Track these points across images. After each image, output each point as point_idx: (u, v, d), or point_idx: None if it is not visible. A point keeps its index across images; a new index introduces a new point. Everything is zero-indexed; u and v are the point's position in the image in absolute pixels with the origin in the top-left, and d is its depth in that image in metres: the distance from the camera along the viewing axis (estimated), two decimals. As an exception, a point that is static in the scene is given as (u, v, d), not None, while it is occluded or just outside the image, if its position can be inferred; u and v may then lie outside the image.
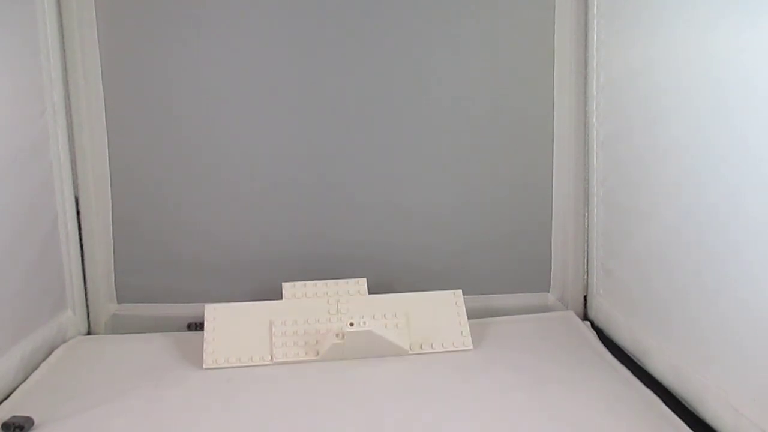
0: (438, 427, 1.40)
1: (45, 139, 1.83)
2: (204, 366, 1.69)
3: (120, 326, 2.02)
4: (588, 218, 2.02)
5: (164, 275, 2.03)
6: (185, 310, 1.96)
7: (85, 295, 2.01)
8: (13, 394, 1.57)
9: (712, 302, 1.37)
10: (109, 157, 1.98)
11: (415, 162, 2.03)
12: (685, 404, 1.47)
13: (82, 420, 1.44)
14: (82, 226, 1.98)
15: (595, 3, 1.88)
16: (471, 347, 1.77)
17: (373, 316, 1.79)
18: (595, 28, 1.90)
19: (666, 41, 1.52)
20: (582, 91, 1.98)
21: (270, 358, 1.72)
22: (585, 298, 2.07)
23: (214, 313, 1.79)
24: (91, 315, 2.02)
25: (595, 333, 1.91)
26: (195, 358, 1.72)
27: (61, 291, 1.92)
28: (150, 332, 1.93)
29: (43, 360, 1.75)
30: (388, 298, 1.86)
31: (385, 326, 1.77)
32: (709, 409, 1.38)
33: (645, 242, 1.67)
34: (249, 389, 1.58)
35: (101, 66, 1.94)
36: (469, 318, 1.82)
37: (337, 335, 1.68)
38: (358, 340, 1.66)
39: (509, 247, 2.07)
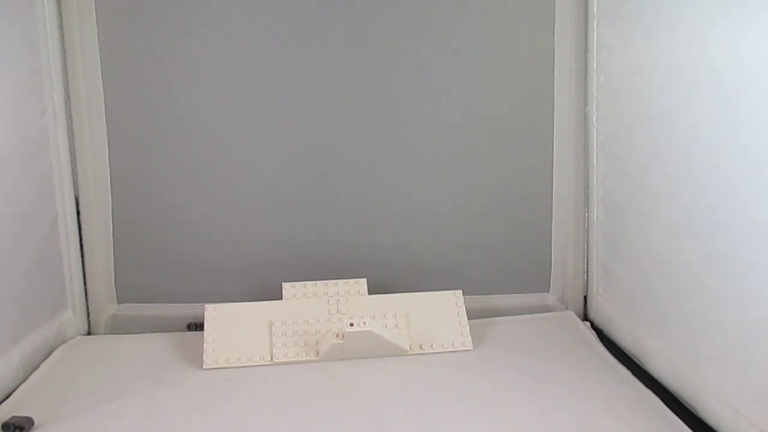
0: (438, 428, 1.40)
1: (45, 140, 1.83)
2: (204, 366, 1.69)
3: (120, 326, 2.02)
4: (588, 218, 2.02)
5: (164, 275, 2.03)
6: (185, 310, 1.97)
7: (85, 295, 2.01)
8: (13, 394, 1.57)
9: (712, 302, 1.37)
10: (109, 157, 1.98)
11: (416, 162, 2.03)
12: (685, 404, 1.47)
13: (82, 420, 1.44)
14: (82, 226, 1.98)
15: (595, 3, 1.88)
16: (471, 347, 1.77)
17: (373, 317, 1.79)
18: (595, 29, 1.90)
19: (666, 41, 1.52)
20: (582, 91, 1.98)
21: (270, 358, 1.72)
22: (585, 298, 2.07)
23: (214, 313, 1.79)
24: (91, 315, 2.02)
25: (595, 333, 1.91)
26: (195, 358, 1.72)
27: (61, 291, 1.92)
28: (150, 332, 1.93)
29: (43, 360, 1.75)
30: (388, 298, 1.86)
31: (385, 326, 1.77)
32: (708, 409, 1.38)
33: (645, 242, 1.67)
34: (249, 389, 1.58)
35: (101, 66, 1.94)
36: (469, 318, 1.82)
37: (337, 335, 1.68)
38: (358, 341, 1.66)
39: (509, 248, 2.07)
